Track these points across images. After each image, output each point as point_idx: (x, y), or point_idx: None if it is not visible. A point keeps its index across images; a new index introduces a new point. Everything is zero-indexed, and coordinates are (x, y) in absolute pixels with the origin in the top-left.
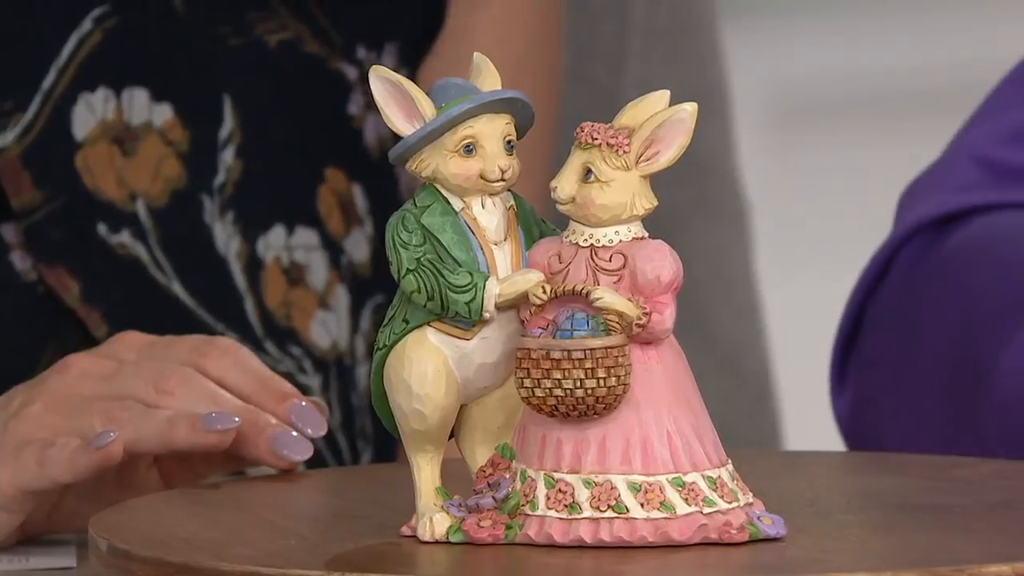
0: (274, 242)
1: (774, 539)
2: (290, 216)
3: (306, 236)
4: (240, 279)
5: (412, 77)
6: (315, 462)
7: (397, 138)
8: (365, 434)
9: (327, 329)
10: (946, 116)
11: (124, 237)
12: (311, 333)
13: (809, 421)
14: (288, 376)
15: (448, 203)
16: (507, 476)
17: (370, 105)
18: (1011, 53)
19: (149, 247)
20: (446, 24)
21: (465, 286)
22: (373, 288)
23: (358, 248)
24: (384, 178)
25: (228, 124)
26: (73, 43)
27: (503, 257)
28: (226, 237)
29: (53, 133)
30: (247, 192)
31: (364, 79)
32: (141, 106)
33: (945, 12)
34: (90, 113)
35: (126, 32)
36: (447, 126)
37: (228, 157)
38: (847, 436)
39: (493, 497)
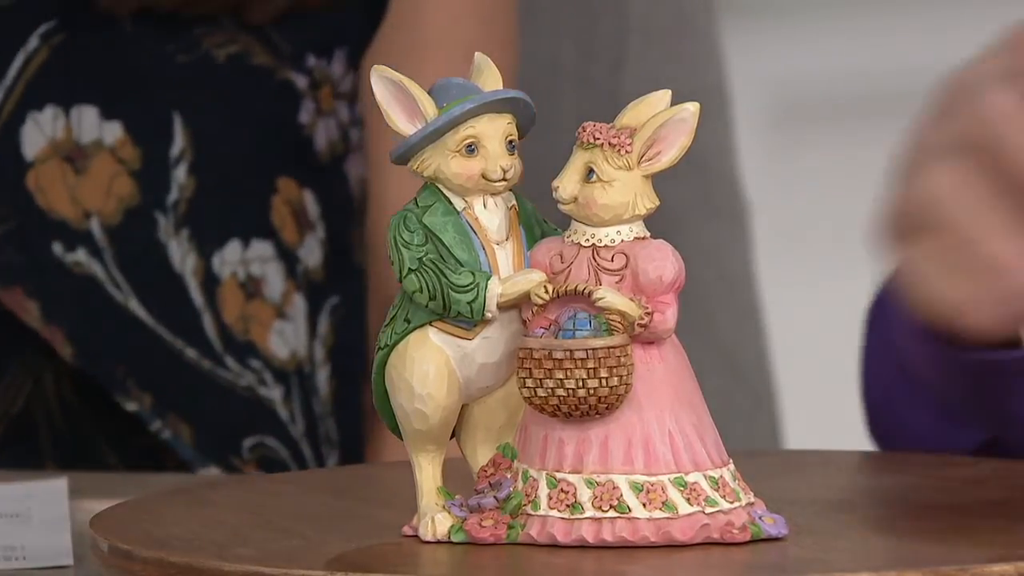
0: (230, 257)
1: (776, 539)
2: (245, 230)
3: (261, 248)
4: (197, 295)
5: (358, 82)
6: (282, 471)
7: (347, 140)
8: (330, 439)
9: (285, 339)
10: None
11: (80, 255)
12: (269, 344)
13: (809, 421)
14: (249, 390)
15: (450, 203)
16: (509, 476)
17: (320, 111)
18: None
19: (105, 265)
20: (394, 11)
21: (467, 286)
22: (327, 291)
23: (311, 254)
24: (334, 180)
25: (179, 142)
26: (20, 61)
27: (505, 257)
28: (182, 254)
29: (3, 153)
30: (201, 208)
31: (314, 86)
32: (91, 124)
33: (946, 12)
34: (39, 132)
35: (73, 49)
36: (449, 126)
37: (181, 175)
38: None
39: (495, 497)
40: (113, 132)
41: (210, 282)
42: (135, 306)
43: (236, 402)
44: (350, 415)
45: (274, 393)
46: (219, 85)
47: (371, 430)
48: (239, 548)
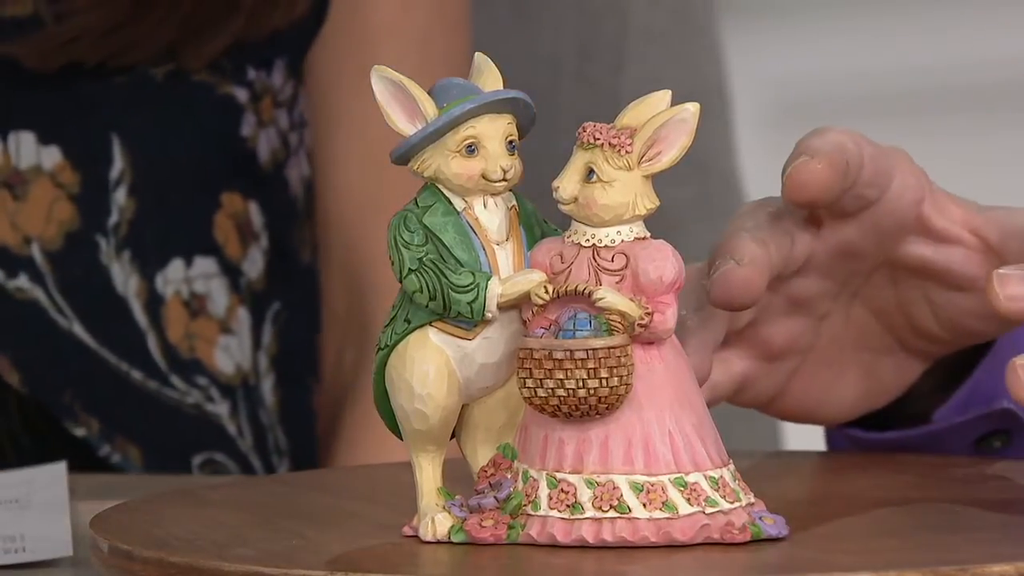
0: (173, 276)
1: (776, 539)
2: (187, 248)
3: (205, 265)
4: (141, 317)
5: (298, 88)
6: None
7: (287, 145)
8: (280, 449)
9: (230, 354)
10: (946, 116)
11: (22, 281)
12: (215, 360)
13: None
14: (196, 407)
15: (450, 203)
16: (509, 476)
17: (261, 123)
18: (1013, 53)
19: (47, 290)
20: (341, 2)
21: (467, 286)
22: (269, 298)
23: (254, 266)
24: (277, 189)
25: (118, 164)
26: None
27: (505, 257)
28: (124, 276)
29: None
30: (142, 230)
31: (255, 98)
32: (29, 150)
33: (946, 12)
34: None
35: (9, 74)
36: (449, 126)
37: (120, 197)
38: None
39: (495, 497)
40: (51, 157)
41: (154, 303)
42: (79, 331)
43: (183, 420)
44: (298, 422)
45: (221, 408)
46: (158, 104)
47: (326, 434)
48: (239, 548)
